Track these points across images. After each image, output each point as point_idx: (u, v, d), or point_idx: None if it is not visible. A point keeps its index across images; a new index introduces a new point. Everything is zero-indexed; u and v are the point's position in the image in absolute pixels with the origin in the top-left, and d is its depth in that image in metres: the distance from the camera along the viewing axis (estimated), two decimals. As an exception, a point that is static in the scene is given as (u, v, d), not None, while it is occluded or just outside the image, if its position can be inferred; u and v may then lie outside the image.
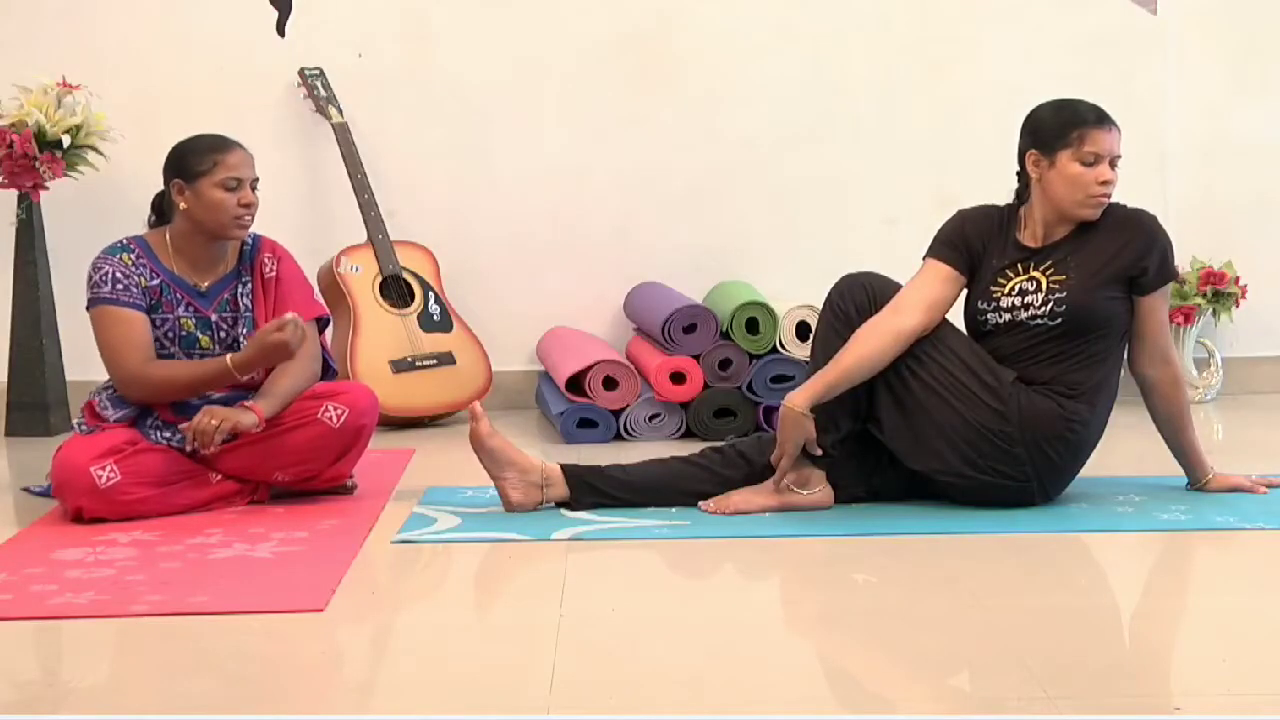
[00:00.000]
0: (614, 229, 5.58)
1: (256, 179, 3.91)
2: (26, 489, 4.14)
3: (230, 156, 3.87)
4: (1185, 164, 5.62)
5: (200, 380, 3.82)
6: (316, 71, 5.43)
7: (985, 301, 3.74)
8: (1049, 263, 3.70)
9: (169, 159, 3.91)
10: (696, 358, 4.95)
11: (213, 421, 3.71)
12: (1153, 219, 3.72)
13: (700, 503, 3.71)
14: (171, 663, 2.74)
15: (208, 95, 5.42)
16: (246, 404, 3.79)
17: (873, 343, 3.64)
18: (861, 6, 5.56)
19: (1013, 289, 3.71)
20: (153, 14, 5.47)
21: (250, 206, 3.87)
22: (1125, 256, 3.66)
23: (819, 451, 3.65)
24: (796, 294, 5.05)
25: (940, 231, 3.83)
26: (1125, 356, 3.78)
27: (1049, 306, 3.65)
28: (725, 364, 4.96)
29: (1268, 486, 3.81)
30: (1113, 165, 3.68)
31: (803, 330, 4.94)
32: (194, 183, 3.85)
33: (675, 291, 5.29)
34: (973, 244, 3.78)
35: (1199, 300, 5.42)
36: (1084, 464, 3.75)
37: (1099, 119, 3.68)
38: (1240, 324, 5.53)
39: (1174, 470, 3.91)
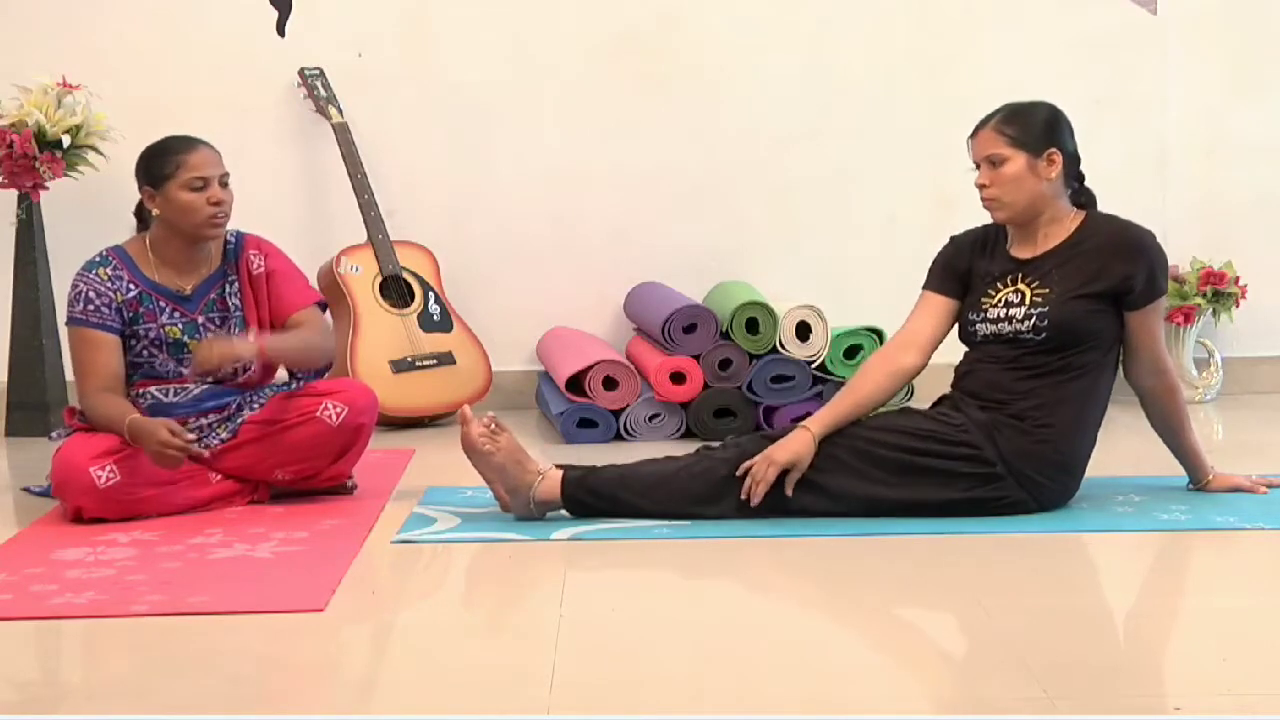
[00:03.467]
0: (614, 229, 5.58)
1: (225, 175, 3.88)
2: (26, 489, 4.14)
3: (193, 156, 3.85)
4: (1185, 164, 5.61)
5: (111, 423, 3.77)
6: (316, 71, 5.43)
7: (974, 313, 3.74)
8: (1035, 275, 3.68)
9: (137, 165, 3.91)
10: (696, 358, 4.95)
11: (214, 349, 3.77)
12: (1142, 236, 3.67)
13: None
14: (171, 663, 2.74)
15: (208, 95, 5.41)
16: (249, 339, 3.86)
17: (877, 380, 3.69)
18: (861, 6, 5.56)
19: (999, 301, 3.70)
20: (153, 14, 5.47)
21: (221, 204, 3.85)
22: (1111, 275, 3.62)
23: (789, 492, 3.59)
24: (796, 294, 5.05)
25: (933, 262, 3.86)
26: (1120, 364, 3.76)
27: (1031, 321, 3.64)
28: (725, 364, 4.96)
29: (1268, 486, 3.80)
30: (994, 164, 3.66)
31: (803, 330, 4.94)
32: (162, 187, 3.84)
33: (675, 291, 5.29)
34: (960, 267, 3.80)
35: (1199, 300, 5.42)
36: (1081, 476, 3.71)
37: (972, 130, 3.73)
38: (1240, 324, 5.53)
39: (1174, 470, 3.90)
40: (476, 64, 5.52)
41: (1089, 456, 3.71)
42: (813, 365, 4.94)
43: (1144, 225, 3.74)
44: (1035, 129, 3.68)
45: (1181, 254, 5.52)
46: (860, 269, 5.49)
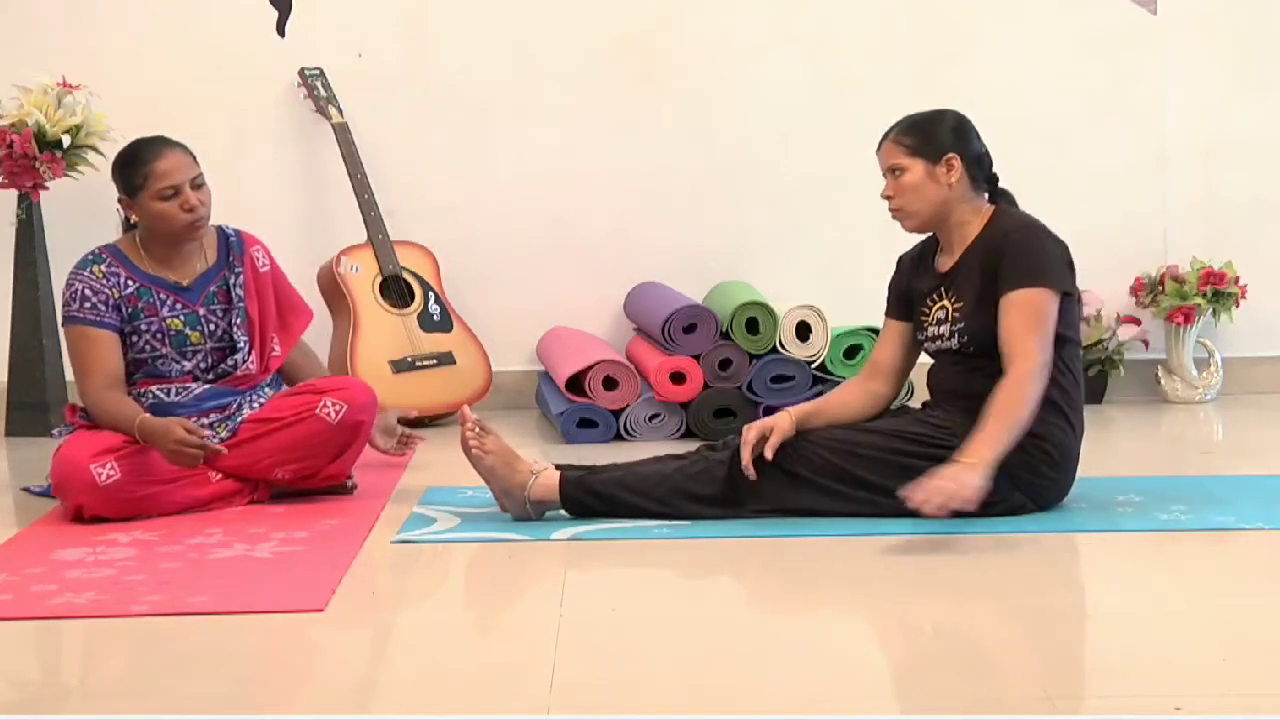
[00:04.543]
0: (614, 229, 5.58)
1: (197, 176, 3.85)
2: (26, 489, 4.14)
3: (160, 164, 3.83)
4: (1185, 164, 5.61)
5: (119, 425, 3.78)
6: (316, 71, 5.43)
7: (920, 332, 3.78)
8: (953, 288, 3.69)
9: (112, 174, 3.93)
10: (696, 358, 4.95)
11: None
12: (1012, 225, 3.62)
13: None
14: (172, 663, 2.74)
15: (208, 95, 5.42)
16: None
17: (854, 400, 3.76)
18: (861, 6, 5.56)
19: (932, 319, 3.73)
20: (153, 14, 5.47)
21: (194, 209, 3.83)
22: (990, 274, 3.60)
23: (770, 455, 3.59)
24: (796, 294, 5.06)
25: (888, 286, 3.88)
26: (1073, 356, 3.73)
27: (956, 337, 3.66)
28: (725, 364, 4.96)
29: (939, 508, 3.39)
30: (896, 174, 3.70)
31: (802, 330, 4.94)
32: (136, 198, 3.85)
33: (675, 291, 5.29)
34: (902, 289, 3.84)
35: (1199, 300, 5.42)
36: (1075, 469, 3.69)
37: (878, 143, 3.76)
38: (1240, 324, 5.53)
39: (1173, 470, 3.91)
40: (476, 64, 5.52)
41: (1079, 448, 3.69)
42: (813, 365, 4.94)
43: (1041, 221, 3.66)
44: (933, 137, 3.68)
45: (1181, 254, 5.53)
46: (860, 269, 5.47)
